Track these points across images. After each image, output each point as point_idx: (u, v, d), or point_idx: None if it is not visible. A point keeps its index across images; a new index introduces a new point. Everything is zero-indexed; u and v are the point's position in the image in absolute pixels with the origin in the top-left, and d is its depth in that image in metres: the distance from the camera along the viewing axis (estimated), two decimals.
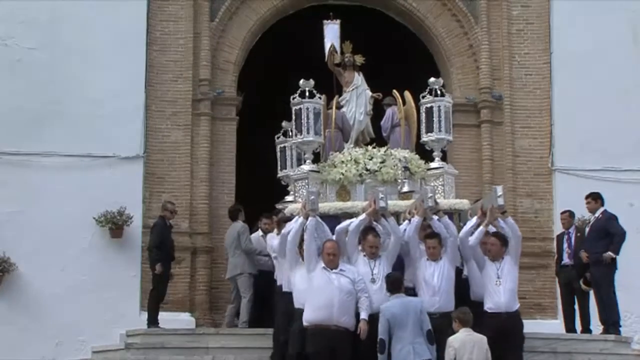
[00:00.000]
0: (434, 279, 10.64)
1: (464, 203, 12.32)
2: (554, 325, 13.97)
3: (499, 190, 11.13)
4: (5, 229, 14.58)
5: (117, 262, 14.76)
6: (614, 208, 13.10)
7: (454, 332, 10.12)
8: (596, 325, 13.05)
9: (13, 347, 14.09)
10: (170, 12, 15.69)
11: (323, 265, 10.38)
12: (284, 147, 14.76)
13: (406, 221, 11.15)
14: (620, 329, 12.86)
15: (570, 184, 15.28)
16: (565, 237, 13.42)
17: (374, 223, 10.80)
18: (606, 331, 12.67)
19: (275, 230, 12.14)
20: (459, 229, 11.44)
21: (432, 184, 12.42)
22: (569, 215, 13.55)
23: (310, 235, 10.51)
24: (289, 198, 13.52)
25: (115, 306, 14.45)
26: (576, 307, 13.31)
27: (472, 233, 11.11)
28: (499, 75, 16.02)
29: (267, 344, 11.49)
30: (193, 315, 14.86)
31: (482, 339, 10.08)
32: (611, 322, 12.69)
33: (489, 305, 10.74)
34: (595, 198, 13.06)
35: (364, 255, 10.66)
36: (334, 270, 10.33)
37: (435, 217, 10.99)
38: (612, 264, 12.75)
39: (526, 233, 14.02)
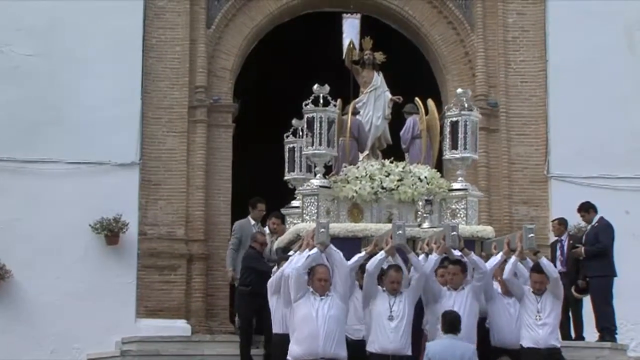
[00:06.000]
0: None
1: (487, 231, 11.54)
2: None
3: (531, 230, 10.00)
4: (0, 236, 14.55)
5: (113, 270, 14.73)
6: (610, 215, 13.12)
7: None
8: (592, 333, 13.05)
9: (8, 355, 14.05)
10: (167, 20, 15.68)
11: (311, 290, 9.27)
12: (293, 147, 13.84)
13: (423, 255, 10.16)
14: (617, 336, 12.86)
15: (566, 191, 15.26)
16: (558, 244, 13.43)
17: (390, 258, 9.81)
18: (602, 339, 12.66)
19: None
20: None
21: (453, 206, 11.72)
22: (558, 223, 13.52)
23: (309, 265, 9.30)
24: (295, 203, 12.90)
25: (111, 313, 14.40)
26: (570, 314, 13.31)
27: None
28: (495, 83, 16.01)
29: (262, 352, 11.46)
30: (189, 323, 14.85)
31: None
32: (607, 330, 12.70)
33: (526, 342, 9.92)
34: (587, 209, 13.03)
35: (384, 290, 9.67)
36: (321, 297, 9.23)
37: (458, 253, 10.03)
38: (610, 270, 12.75)
39: None
